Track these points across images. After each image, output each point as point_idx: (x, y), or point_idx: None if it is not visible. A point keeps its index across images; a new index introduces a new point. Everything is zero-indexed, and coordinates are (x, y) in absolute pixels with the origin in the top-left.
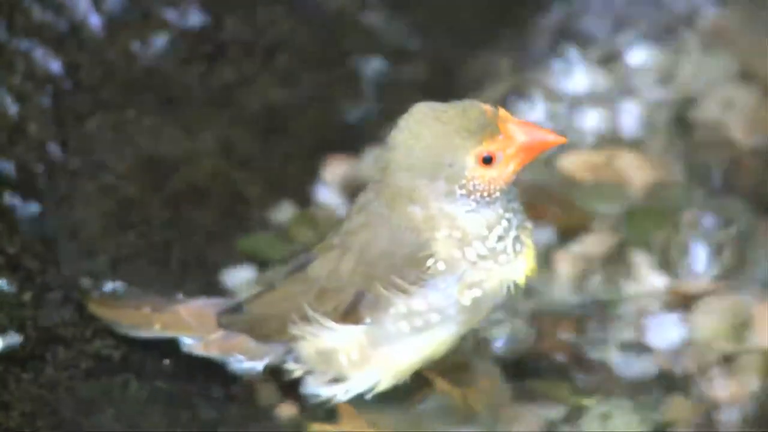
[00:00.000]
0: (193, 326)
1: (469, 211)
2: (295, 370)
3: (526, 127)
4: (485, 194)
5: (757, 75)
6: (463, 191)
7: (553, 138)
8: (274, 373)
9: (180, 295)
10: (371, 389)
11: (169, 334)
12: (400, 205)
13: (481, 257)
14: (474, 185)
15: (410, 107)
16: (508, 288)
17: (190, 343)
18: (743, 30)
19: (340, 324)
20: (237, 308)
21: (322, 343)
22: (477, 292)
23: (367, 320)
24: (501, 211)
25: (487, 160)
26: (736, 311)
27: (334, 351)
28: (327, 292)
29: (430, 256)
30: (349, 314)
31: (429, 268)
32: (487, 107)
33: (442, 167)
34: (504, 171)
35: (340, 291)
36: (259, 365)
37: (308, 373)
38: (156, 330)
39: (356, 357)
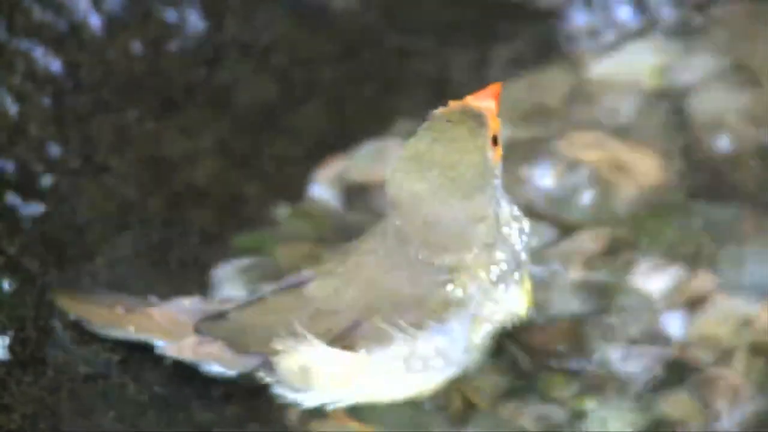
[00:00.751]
0: (166, 329)
1: (498, 200)
2: (265, 378)
3: (482, 95)
4: (499, 173)
5: (754, 70)
6: (497, 180)
7: (496, 86)
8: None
9: (153, 298)
10: (336, 402)
11: (142, 336)
12: (456, 237)
13: (501, 275)
14: (498, 167)
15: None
16: (512, 321)
17: (162, 346)
18: (742, 25)
19: (330, 347)
20: (221, 316)
21: (307, 360)
22: (488, 327)
23: (362, 350)
24: (506, 201)
25: (495, 140)
26: (738, 310)
27: (317, 370)
28: (322, 314)
29: (450, 281)
30: (342, 339)
31: (445, 303)
32: (453, 104)
33: (485, 172)
34: (499, 142)
35: (337, 315)
36: (232, 373)
37: (278, 383)
38: (129, 331)
39: (339, 380)
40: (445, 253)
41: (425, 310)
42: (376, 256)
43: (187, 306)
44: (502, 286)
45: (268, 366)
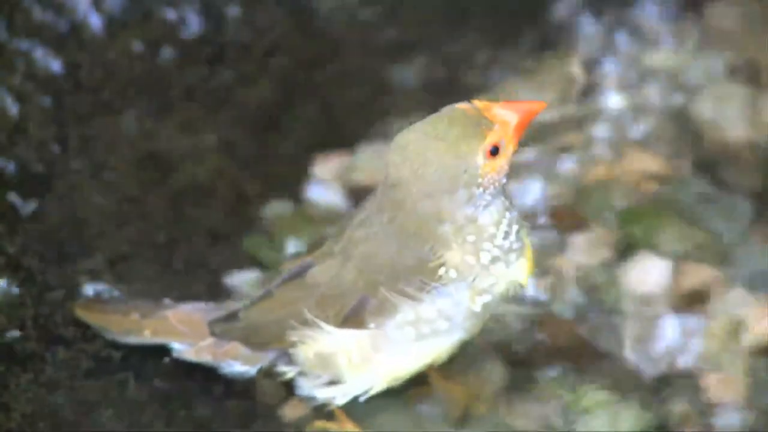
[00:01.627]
0: (182, 332)
1: (486, 206)
2: (288, 372)
3: (510, 106)
4: (497, 183)
5: (756, 70)
6: (480, 189)
7: (537, 105)
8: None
9: (168, 300)
10: (366, 392)
11: (159, 340)
12: (428, 229)
13: (494, 259)
14: (488, 179)
15: (397, 134)
16: (513, 290)
17: (180, 349)
18: (743, 25)
19: (341, 329)
20: (232, 317)
21: (322, 346)
22: (487, 298)
23: (372, 325)
24: (501, 206)
25: (494, 152)
26: (739, 308)
27: (333, 354)
28: (327, 298)
29: (441, 265)
30: (352, 319)
31: (440, 276)
32: (465, 106)
33: (458, 177)
34: (508, 155)
35: (342, 297)
36: (252, 370)
37: (301, 374)
38: (146, 336)
39: (357, 360)
40: (425, 242)
41: (424, 274)
42: (369, 229)
43: (201, 306)
44: (500, 263)
45: (287, 358)
